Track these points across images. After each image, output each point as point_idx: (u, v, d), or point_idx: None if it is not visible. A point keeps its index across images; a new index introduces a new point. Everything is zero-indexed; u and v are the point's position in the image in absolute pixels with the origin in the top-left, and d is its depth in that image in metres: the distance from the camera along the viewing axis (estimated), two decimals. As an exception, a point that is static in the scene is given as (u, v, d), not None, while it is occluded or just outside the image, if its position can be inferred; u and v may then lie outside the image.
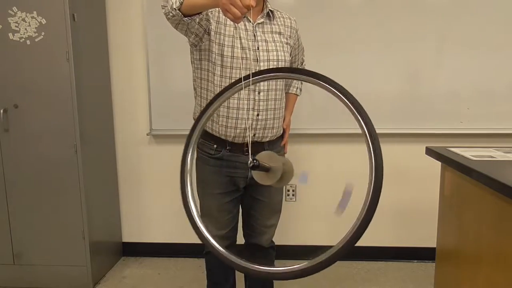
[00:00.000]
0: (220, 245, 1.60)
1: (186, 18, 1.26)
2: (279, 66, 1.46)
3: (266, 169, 0.98)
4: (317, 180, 2.48)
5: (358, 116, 0.92)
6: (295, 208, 2.52)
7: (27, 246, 2.20)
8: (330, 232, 2.50)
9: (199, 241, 1.09)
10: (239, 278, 1.79)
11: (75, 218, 2.15)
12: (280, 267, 0.96)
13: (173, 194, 2.37)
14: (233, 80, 1.41)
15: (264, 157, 0.99)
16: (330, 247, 0.89)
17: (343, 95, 0.94)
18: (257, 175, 0.99)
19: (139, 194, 2.60)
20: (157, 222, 2.61)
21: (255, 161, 0.93)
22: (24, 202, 2.16)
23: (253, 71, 1.41)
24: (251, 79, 1.06)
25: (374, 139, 0.89)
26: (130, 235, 2.65)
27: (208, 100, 1.47)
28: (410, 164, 2.42)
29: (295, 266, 0.93)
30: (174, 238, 2.60)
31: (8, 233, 2.19)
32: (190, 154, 1.14)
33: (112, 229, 2.54)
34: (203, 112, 1.17)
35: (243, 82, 1.08)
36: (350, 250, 0.87)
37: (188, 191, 1.11)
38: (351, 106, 0.93)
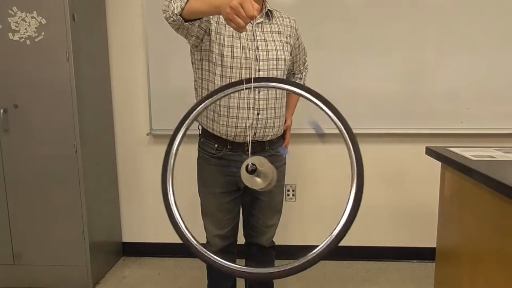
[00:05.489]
0: (220, 244, 1.62)
1: (186, 23, 1.28)
2: (279, 66, 1.46)
3: (259, 173, 1.00)
4: (317, 180, 2.48)
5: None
6: (295, 208, 2.52)
7: (27, 246, 2.20)
8: (330, 232, 2.49)
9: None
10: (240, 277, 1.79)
11: (75, 218, 2.15)
12: (262, 268, 0.99)
13: (173, 194, 2.37)
14: (233, 80, 1.41)
15: (257, 162, 1.00)
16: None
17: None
18: (248, 180, 1.00)
19: (139, 194, 2.60)
20: (157, 222, 2.60)
21: (253, 165, 0.95)
22: (24, 202, 2.16)
23: (254, 70, 1.43)
24: (252, 85, 1.05)
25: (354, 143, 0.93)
26: (130, 235, 2.65)
27: None
28: (410, 164, 2.42)
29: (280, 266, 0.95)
30: (174, 238, 2.56)
31: (8, 233, 2.19)
32: (176, 146, 1.14)
33: (112, 229, 2.54)
34: (198, 104, 1.14)
35: (244, 86, 1.06)
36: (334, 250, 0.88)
37: (170, 190, 1.09)
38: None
